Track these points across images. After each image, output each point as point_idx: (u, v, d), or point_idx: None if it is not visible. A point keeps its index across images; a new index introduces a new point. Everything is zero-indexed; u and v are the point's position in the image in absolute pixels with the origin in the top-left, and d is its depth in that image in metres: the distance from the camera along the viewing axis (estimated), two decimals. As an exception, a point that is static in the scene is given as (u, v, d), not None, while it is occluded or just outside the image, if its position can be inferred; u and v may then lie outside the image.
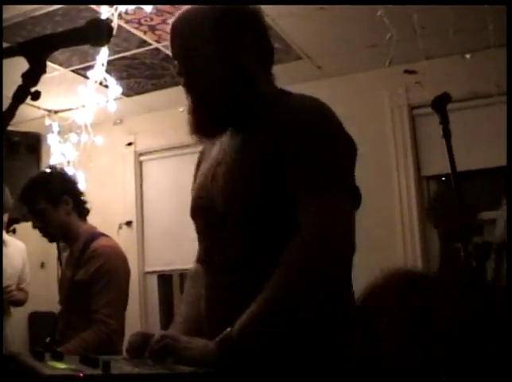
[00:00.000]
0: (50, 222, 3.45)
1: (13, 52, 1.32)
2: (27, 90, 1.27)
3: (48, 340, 3.43)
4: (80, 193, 3.61)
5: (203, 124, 1.82)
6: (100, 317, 3.29)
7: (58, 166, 4.51)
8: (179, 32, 1.85)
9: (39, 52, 1.30)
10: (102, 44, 1.40)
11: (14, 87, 1.30)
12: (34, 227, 3.53)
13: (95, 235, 3.50)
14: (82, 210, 3.57)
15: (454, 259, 4.83)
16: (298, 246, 1.50)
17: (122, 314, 3.46)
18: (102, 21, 1.38)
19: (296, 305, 1.48)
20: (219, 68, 1.75)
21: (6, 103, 1.28)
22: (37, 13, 4.16)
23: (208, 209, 1.76)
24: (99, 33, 1.36)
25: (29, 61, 1.29)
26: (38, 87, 1.31)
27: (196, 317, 1.85)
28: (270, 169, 1.63)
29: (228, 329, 1.47)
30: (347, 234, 1.59)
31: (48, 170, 3.70)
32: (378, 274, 1.47)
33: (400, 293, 1.33)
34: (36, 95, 1.28)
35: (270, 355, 1.47)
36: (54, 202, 3.42)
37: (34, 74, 1.28)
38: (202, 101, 1.80)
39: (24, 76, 1.28)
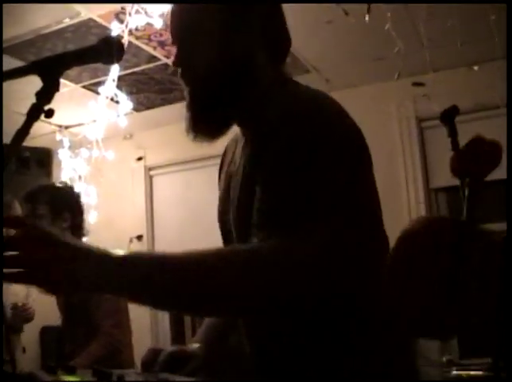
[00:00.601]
0: None
1: (27, 71, 1.34)
2: (41, 108, 1.28)
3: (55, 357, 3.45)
4: (81, 217, 3.62)
5: (202, 117, 1.64)
6: (105, 329, 3.30)
7: (70, 184, 4.53)
8: (179, 13, 1.72)
9: (52, 70, 1.31)
10: (114, 62, 1.39)
11: (25, 102, 1.32)
12: None
13: None
14: (78, 231, 3.56)
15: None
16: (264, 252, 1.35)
17: (126, 323, 3.46)
18: (114, 38, 1.38)
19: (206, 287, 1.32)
20: (218, 51, 1.61)
21: (14, 116, 1.29)
22: (47, 30, 4.19)
23: (224, 227, 1.71)
24: (111, 51, 1.36)
25: (43, 80, 1.30)
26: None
27: (217, 325, 1.84)
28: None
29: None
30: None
31: (59, 184, 3.72)
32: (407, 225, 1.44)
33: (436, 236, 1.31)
34: (50, 114, 1.30)
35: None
36: (54, 213, 3.43)
37: (48, 92, 1.29)
38: (200, 89, 1.62)
39: (38, 94, 1.29)
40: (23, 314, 4.35)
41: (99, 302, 3.34)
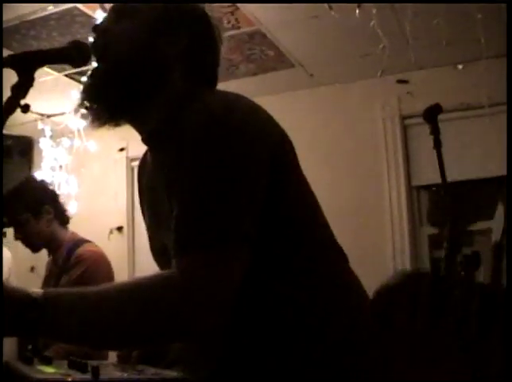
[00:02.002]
0: (32, 233, 3.44)
1: (4, 64, 1.34)
2: (16, 102, 1.28)
3: (29, 347, 3.44)
4: (60, 201, 3.61)
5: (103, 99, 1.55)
6: None
7: (35, 177, 4.51)
8: (116, 7, 1.69)
9: (28, 66, 1.32)
10: (81, 66, 1.42)
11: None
12: (16, 238, 3.52)
13: (79, 241, 3.50)
14: (63, 218, 3.56)
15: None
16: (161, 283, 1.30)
17: None
18: (85, 44, 1.41)
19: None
20: (137, 46, 1.55)
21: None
22: (32, 17, 4.16)
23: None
24: (81, 55, 1.39)
25: (18, 74, 1.31)
26: (32, 91, 1.33)
27: None
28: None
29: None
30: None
31: (26, 181, 3.69)
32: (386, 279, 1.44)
33: (413, 288, 1.31)
34: (26, 109, 1.30)
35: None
36: (35, 213, 3.41)
37: (23, 87, 1.30)
38: (112, 71, 1.55)
39: (13, 88, 1.29)
40: None
41: None
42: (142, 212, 1.81)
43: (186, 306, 1.25)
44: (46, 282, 3.63)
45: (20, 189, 3.46)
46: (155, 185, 1.58)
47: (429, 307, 1.27)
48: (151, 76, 1.55)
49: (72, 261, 3.40)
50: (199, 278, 1.25)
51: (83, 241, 3.51)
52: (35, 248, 3.56)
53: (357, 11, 3.88)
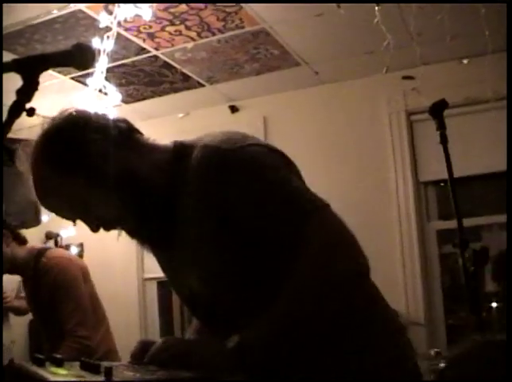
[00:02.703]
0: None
1: (8, 68, 1.34)
2: (22, 105, 1.29)
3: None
4: (10, 223, 3.63)
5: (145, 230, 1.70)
6: (68, 327, 3.33)
7: None
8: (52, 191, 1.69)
9: (33, 70, 1.32)
10: (85, 68, 1.43)
11: (10, 95, 1.32)
12: None
13: (40, 252, 3.51)
14: (20, 237, 3.57)
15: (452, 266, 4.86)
16: (306, 260, 1.47)
17: (89, 318, 3.46)
18: (88, 46, 1.41)
19: (310, 316, 1.47)
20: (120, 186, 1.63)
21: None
22: (36, 21, 4.17)
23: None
24: (84, 57, 1.39)
25: (23, 78, 1.31)
26: (37, 94, 1.33)
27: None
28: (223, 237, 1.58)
29: (237, 339, 1.45)
30: (347, 241, 1.55)
31: None
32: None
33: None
34: (32, 112, 1.31)
35: (281, 365, 1.47)
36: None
37: (28, 90, 1.30)
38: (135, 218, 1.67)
39: (18, 92, 1.30)
40: None
41: (62, 303, 3.35)
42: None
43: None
44: (27, 298, 3.65)
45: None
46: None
47: None
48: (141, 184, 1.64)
49: (40, 272, 3.41)
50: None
51: (44, 250, 3.51)
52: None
53: (376, 8, 3.87)
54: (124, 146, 1.66)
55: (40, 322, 3.58)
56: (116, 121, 1.72)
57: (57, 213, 1.78)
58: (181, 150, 1.68)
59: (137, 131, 1.77)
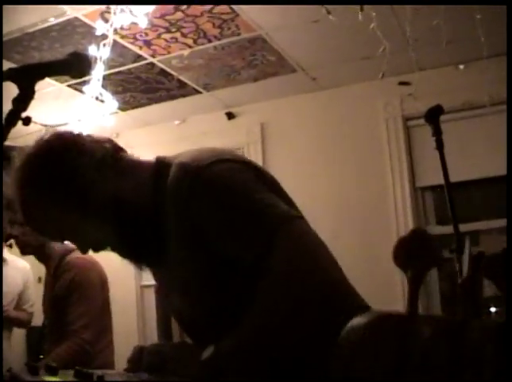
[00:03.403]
0: (29, 233, 3.46)
1: (4, 77, 1.34)
2: (18, 114, 1.29)
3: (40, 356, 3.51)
4: None
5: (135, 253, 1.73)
6: (74, 328, 3.34)
7: None
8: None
9: (29, 79, 1.32)
10: (82, 77, 1.44)
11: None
12: (12, 236, 3.54)
13: (67, 251, 3.51)
14: None
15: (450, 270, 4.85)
16: (271, 276, 1.47)
17: (97, 324, 3.47)
18: (84, 55, 1.42)
19: (275, 329, 1.50)
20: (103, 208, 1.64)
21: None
22: (33, 29, 4.17)
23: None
24: (81, 66, 1.40)
25: (19, 87, 1.31)
26: (35, 102, 1.33)
27: None
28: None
29: (212, 351, 1.48)
30: (311, 258, 1.52)
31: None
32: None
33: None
34: (28, 121, 1.31)
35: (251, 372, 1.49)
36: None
37: (24, 99, 1.30)
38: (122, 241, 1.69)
39: (14, 101, 1.30)
40: None
41: (75, 301, 3.37)
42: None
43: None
44: (44, 291, 3.67)
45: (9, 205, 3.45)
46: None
47: (394, 351, 1.25)
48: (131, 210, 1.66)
49: (61, 269, 3.43)
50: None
51: (70, 250, 3.52)
52: (26, 250, 3.58)
53: (360, 16, 3.87)
54: (109, 169, 1.66)
55: (49, 321, 3.58)
56: (100, 142, 1.70)
57: (44, 235, 1.78)
58: (161, 169, 1.68)
59: (122, 150, 1.75)
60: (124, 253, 1.71)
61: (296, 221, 1.55)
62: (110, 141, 1.73)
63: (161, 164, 1.70)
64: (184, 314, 1.77)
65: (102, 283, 3.59)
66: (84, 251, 1.72)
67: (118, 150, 1.73)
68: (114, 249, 1.71)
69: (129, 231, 1.64)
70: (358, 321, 1.31)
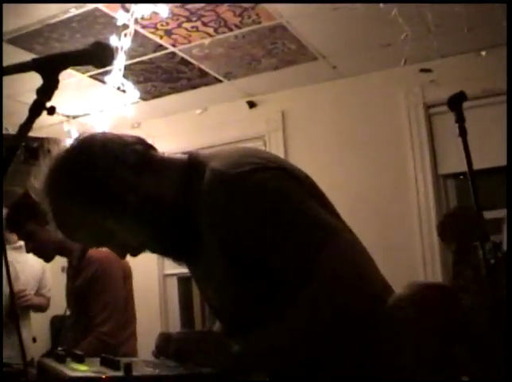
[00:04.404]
0: (42, 242, 3.46)
1: (27, 67, 1.35)
2: (42, 104, 1.30)
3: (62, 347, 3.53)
4: None
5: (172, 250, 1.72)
6: (95, 322, 3.35)
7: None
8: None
9: (52, 69, 1.33)
10: (104, 66, 1.44)
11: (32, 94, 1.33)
12: (28, 251, 3.55)
13: None
14: None
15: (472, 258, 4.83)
16: (314, 289, 1.46)
17: (118, 317, 3.47)
18: (106, 44, 1.42)
19: (308, 340, 1.49)
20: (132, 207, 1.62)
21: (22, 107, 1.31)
22: (54, 20, 4.19)
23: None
24: (103, 55, 1.40)
25: (43, 77, 1.32)
26: (57, 93, 1.34)
27: None
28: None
29: (237, 348, 1.48)
30: (356, 270, 1.49)
31: (27, 192, 3.71)
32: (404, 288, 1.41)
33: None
34: (52, 111, 1.31)
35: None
36: (42, 222, 3.36)
37: (48, 89, 1.31)
38: (154, 239, 1.68)
39: (38, 91, 1.31)
40: (19, 302, 4.39)
41: (97, 295, 3.38)
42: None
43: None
44: (67, 284, 3.68)
45: (22, 201, 3.42)
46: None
47: (437, 319, 1.25)
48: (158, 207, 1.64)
49: (84, 262, 3.43)
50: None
51: None
52: (47, 258, 3.60)
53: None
54: (142, 170, 1.64)
55: (72, 312, 3.60)
56: (132, 143, 1.68)
57: (76, 241, 1.78)
58: (194, 169, 1.65)
59: (153, 148, 1.73)
60: (161, 252, 1.72)
61: (343, 235, 1.53)
62: (141, 141, 1.72)
63: (194, 163, 1.67)
64: (217, 309, 1.79)
65: (125, 276, 3.60)
66: (122, 256, 1.73)
67: (149, 149, 1.71)
68: (151, 250, 1.70)
69: (165, 231, 1.63)
70: (400, 294, 1.31)
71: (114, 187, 1.59)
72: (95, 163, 1.60)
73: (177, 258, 1.74)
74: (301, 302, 1.46)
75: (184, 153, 1.73)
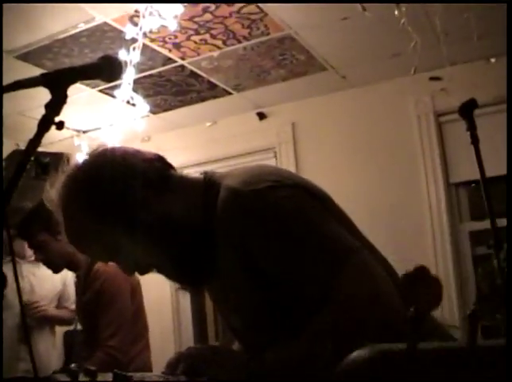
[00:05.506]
0: (52, 253, 3.46)
1: (36, 82, 1.35)
2: (51, 119, 1.29)
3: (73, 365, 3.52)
4: None
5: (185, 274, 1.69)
6: (102, 337, 3.33)
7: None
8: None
9: (61, 83, 1.33)
10: (113, 80, 1.44)
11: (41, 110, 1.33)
12: (37, 260, 3.55)
13: None
14: None
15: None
16: (335, 308, 1.44)
17: (127, 331, 3.45)
18: (115, 58, 1.42)
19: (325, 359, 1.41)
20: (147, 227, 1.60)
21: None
22: (63, 35, 4.21)
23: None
24: (112, 69, 1.40)
25: (51, 92, 1.32)
26: (67, 108, 1.34)
27: None
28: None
29: (250, 363, 1.47)
30: (373, 292, 1.46)
31: (42, 202, 3.71)
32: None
33: None
34: (61, 126, 1.31)
35: None
36: (54, 232, 3.39)
37: (56, 104, 1.31)
38: (171, 262, 1.65)
39: (47, 106, 1.30)
40: (30, 312, 4.40)
41: (104, 309, 3.37)
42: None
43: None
44: (76, 298, 3.68)
45: (37, 211, 3.41)
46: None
47: None
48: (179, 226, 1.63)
49: (91, 277, 3.42)
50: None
51: None
52: (56, 269, 3.60)
53: (396, 12, 3.86)
54: (160, 189, 1.63)
55: (83, 327, 3.60)
56: (150, 160, 1.66)
57: (88, 255, 1.77)
58: (211, 188, 1.63)
59: (171, 167, 1.72)
60: (170, 274, 1.68)
61: (361, 254, 1.51)
62: (159, 158, 1.70)
63: (209, 182, 1.66)
64: (239, 332, 1.77)
65: (133, 290, 3.58)
66: (130, 274, 1.70)
67: (167, 168, 1.70)
68: (160, 271, 1.67)
69: (178, 252, 1.61)
70: (358, 354, 1.28)
71: (130, 203, 1.58)
72: (113, 177, 1.58)
73: (186, 281, 1.71)
74: (318, 323, 1.44)
75: (200, 173, 1.71)
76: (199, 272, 1.66)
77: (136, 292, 3.61)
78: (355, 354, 1.25)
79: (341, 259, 1.46)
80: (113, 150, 1.69)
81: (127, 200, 1.57)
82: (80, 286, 3.53)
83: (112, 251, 1.65)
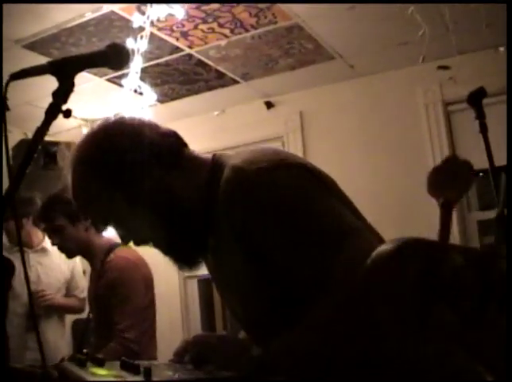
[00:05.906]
0: (69, 239, 3.48)
1: (43, 70, 1.35)
2: (58, 107, 1.29)
3: (84, 351, 3.52)
4: None
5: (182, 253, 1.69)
6: (119, 328, 3.33)
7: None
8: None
9: (68, 71, 1.33)
10: (120, 68, 1.45)
11: (46, 100, 1.32)
12: (53, 244, 3.57)
13: (112, 246, 3.51)
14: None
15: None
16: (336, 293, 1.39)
17: (141, 324, 3.45)
18: (122, 46, 1.42)
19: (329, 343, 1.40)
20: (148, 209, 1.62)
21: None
22: (70, 24, 4.21)
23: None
24: (119, 57, 1.41)
25: (59, 80, 1.32)
26: (74, 97, 1.34)
27: None
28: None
29: (257, 351, 1.48)
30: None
31: (64, 188, 3.72)
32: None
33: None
34: (68, 113, 1.31)
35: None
36: (73, 219, 3.44)
37: (64, 92, 1.31)
38: (165, 237, 1.67)
39: (54, 94, 1.30)
40: (37, 301, 4.41)
41: (118, 304, 3.37)
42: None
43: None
44: (89, 288, 3.69)
45: (59, 195, 3.46)
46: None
47: (421, 277, 1.20)
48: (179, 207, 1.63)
49: (105, 267, 3.43)
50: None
51: (115, 245, 3.52)
52: (69, 254, 3.60)
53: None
54: (170, 165, 1.64)
55: (94, 316, 3.61)
56: (165, 135, 1.68)
57: (88, 216, 1.77)
58: (217, 167, 1.63)
59: (185, 145, 1.73)
60: (166, 249, 1.68)
61: (363, 232, 1.50)
62: (174, 134, 1.71)
63: (216, 163, 1.66)
64: (242, 318, 1.76)
65: (146, 282, 3.58)
66: (125, 242, 1.70)
67: (181, 145, 1.71)
68: (156, 245, 1.68)
69: (177, 227, 1.62)
70: (384, 247, 1.26)
71: (136, 173, 1.59)
72: (125, 145, 1.60)
73: (182, 259, 1.70)
74: (322, 306, 1.41)
75: (209, 153, 1.73)
76: (197, 251, 1.67)
77: (149, 285, 3.61)
78: (380, 249, 1.24)
79: (342, 237, 1.44)
80: (131, 119, 1.70)
81: (134, 170, 1.59)
82: (95, 275, 3.54)
83: (110, 216, 1.66)
